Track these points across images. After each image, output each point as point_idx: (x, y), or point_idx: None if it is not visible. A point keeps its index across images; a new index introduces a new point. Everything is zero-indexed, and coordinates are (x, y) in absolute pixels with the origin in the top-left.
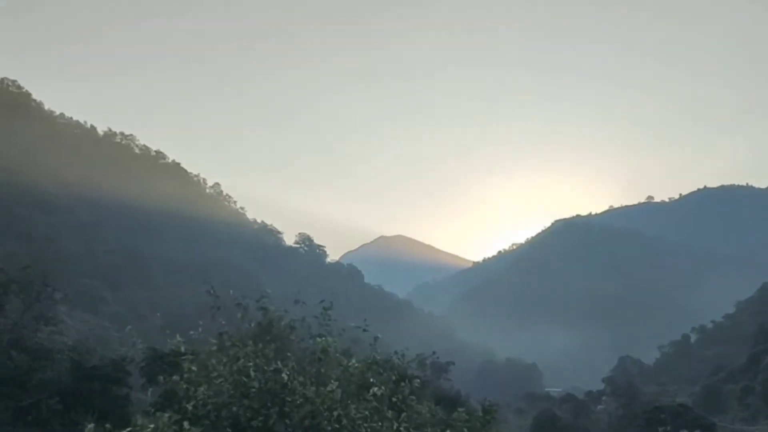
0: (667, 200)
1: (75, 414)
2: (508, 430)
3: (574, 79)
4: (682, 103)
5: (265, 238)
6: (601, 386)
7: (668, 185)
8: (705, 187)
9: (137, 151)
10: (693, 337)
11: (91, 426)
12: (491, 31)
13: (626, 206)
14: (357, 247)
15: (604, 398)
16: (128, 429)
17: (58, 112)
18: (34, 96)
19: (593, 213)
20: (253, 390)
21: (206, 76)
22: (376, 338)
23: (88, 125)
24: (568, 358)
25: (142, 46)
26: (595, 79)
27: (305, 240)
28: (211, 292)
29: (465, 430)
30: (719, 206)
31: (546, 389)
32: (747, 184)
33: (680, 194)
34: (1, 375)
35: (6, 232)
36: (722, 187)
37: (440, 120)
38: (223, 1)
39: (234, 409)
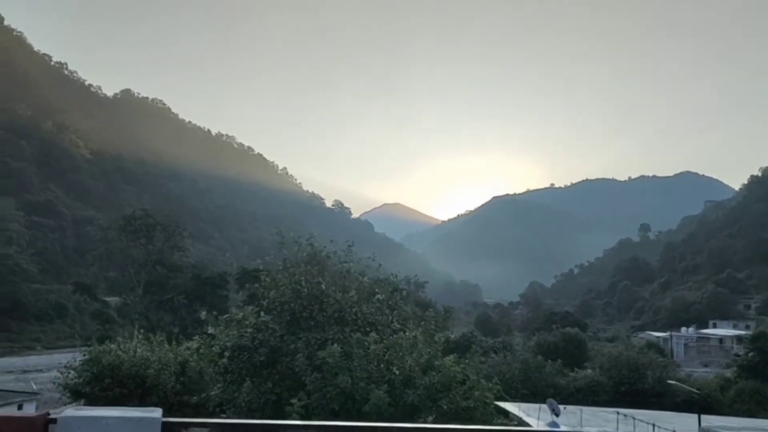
0: (563, 186)
1: (195, 306)
2: (460, 323)
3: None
4: (581, 113)
5: (314, 202)
6: (518, 299)
7: (564, 176)
8: (587, 179)
9: (235, 146)
10: (575, 271)
11: (204, 312)
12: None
13: (538, 189)
14: (371, 209)
15: (519, 306)
16: (226, 315)
17: (187, 120)
18: (173, 109)
19: (517, 193)
20: (304, 294)
21: (274, 91)
22: (379, 265)
23: (205, 129)
24: (498, 282)
25: (237, 71)
26: (518, 85)
27: (338, 204)
28: (279, 233)
29: (433, 322)
30: (595, 191)
31: (484, 300)
32: (612, 177)
33: (571, 182)
34: (152, 280)
35: (154, 193)
36: (597, 179)
37: (424, 117)
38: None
39: (292, 305)
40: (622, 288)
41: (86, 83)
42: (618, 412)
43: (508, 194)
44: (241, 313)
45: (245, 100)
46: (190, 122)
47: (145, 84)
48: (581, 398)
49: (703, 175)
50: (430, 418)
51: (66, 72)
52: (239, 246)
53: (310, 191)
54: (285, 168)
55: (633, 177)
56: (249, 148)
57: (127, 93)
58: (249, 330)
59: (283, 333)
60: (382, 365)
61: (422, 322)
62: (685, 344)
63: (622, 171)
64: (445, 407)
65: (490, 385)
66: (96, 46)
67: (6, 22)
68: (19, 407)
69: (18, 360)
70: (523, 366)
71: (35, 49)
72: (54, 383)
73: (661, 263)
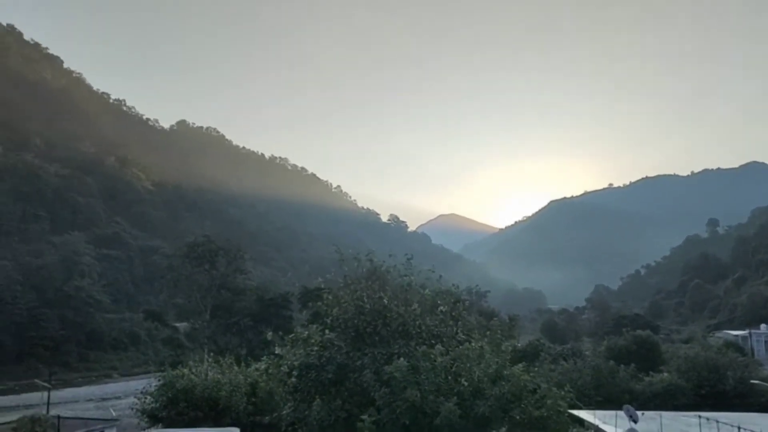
0: (622, 185)
1: (260, 327)
2: (525, 331)
3: (564, 85)
4: (635, 109)
5: (369, 217)
6: (584, 304)
7: (623, 175)
8: (646, 176)
9: (289, 167)
10: (642, 272)
11: (270, 333)
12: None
13: (595, 190)
14: (426, 221)
15: (586, 311)
16: (292, 335)
17: (241, 145)
18: (226, 136)
19: (574, 195)
20: (366, 309)
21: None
22: (440, 276)
23: (259, 153)
24: (562, 287)
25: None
26: (568, 92)
27: (394, 218)
28: (338, 251)
29: (498, 331)
30: (656, 188)
31: (548, 306)
32: (674, 173)
33: (630, 181)
34: (218, 304)
35: (214, 219)
36: (658, 176)
37: (475, 125)
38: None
39: (355, 321)
40: (693, 286)
41: (144, 117)
42: (700, 416)
43: (565, 197)
44: (306, 332)
45: (294, 121)
46: (244, 148)
47: (199, 113)
48: (659, 403)
49: None
50: (503, 430)
51: (125, 108)
52: (299, 266)
53: (365, 207)
54: (339, 186)
55: (696, 171)
56: (302, 168)
57: (182, 124)
58: (315, 348)
59: (349, 350)
60: (450, 377)
61: (487, 332)
62: (765, 342)
63: (684, 166)
64: (518, 417)
65: (563, 393)
66: (149, 79)
67: (66, 65)
68: None
69: (96, 388)
70: (594, 372)
71: (95, 88)
72: (132, 409)
73: (734, 258)
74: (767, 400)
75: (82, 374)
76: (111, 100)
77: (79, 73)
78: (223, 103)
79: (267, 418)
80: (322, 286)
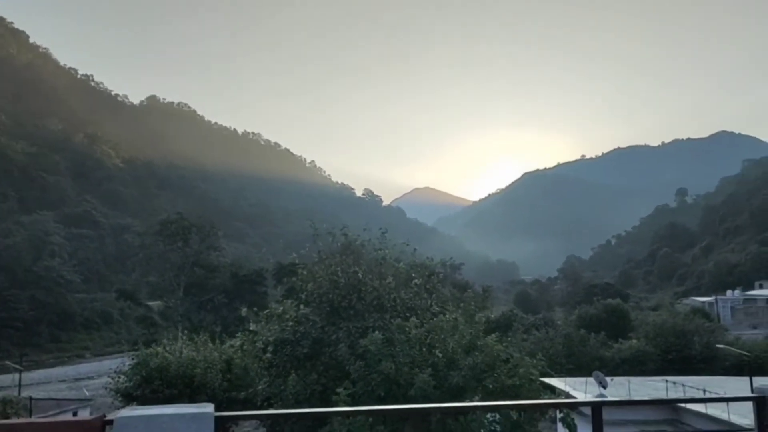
0: (594, 156)
1: (235, 304)
2: (499, 302)
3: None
4: (608, 82)
5: (344, 192)
6: (556, 274)
7: (595, 147)
8: (618, 147)
9: (262, 143)
10: (613, 242)
11: (244, 309)
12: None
13: (568, 162)
14: (401, 195)
15: (558, 281)
16: (266, 311)
17: (213, 121)
18: (198, 111)
19: (547, 167)
20: (341, 284)
21: (295, 87)
22: (414, 250)
23: (231, 128)
24: (535, 258)
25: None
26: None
27: (368, 193)
28: (312, 226)
29: (472, 303)
30: (628, 159)
31: (522, 278)
32: (645, 144)
33: (602, 152)
34: (191, 282)
35: (187, 196)
36: (629, 146)
37: (448, 98)
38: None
39: (330, 296)
40: (662, 255)
41: (113, 93)
42: (666, 380)
43: (538, 169)
44: (281, 308)
45: (266, 96)
46: (216, 123)
47: (169, 88)
48: (628, 369)
49: (739, 134)
50: (477, 398)
51: (93, 84)
52: (274, 242)
53: (339, 182)
54: (313, 161)
55: (666, 142)
56: (275, 144)
57: (152, 99)
58: (290, 323)
59: (324, 324)
60: (424, 349)
61: (461, 304)
62: (731, 307)
63: (655, 137)
64: (491, 386)
65: (534, 361)
66: (117, 54)
67: (31, 40)
68: (74, 414)
69: (69, 369)
70: (566, 341)
71: (61, 63)
72: (106, 389)
73: (702, 227)
74: (732, 363)
75: (54, 355)
76: (79, 76)
77: (45, 48)
78: (194, 78)
79: (242, 393)
80: (297, 261)
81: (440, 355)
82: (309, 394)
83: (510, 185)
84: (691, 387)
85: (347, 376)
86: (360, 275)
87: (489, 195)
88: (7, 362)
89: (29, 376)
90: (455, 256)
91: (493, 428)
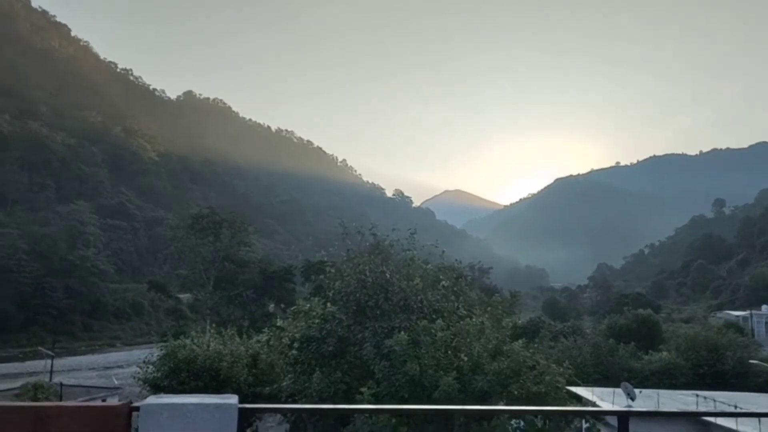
0: (629, 164)
1: (263, 300)
2: (527, 308)
3: (574, 65)
4: (645, 88)
5: (374, 192)
6: (586, 282)
7: (630, 154)
8: (654, 155)
9: (294, 140)
10: (646, 251)
11: (272, 305)
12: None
13: (602, 168)
14: (431, 197)
15: (588, 290)
16: (294, 307)
17: (247, 117)
18: (233, 108)
19: (580, 173)
20: (368, 283)
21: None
22: (443, 252)
23: (265, 125)
24: (565, 265)
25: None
26: (580, 69)
27: (399, 193)
28: (341, 225)
29: (499, 307)
30: (664, 167)
31: (551, 284)
32: (682, 152)
33: (638, 160)
34: (221, 276)
35: (219, 191)
36: (665, 155)
37: (483, 102)
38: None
39: (357, 295)
40: (696, 267)
41: (151, 88)
42: (697, 395)
43: (571, 175)
44: (308, 305)
45: (300, 94)
46: (250, 120)
47: (206, 84)
48: (657, 381)
49: None
50: (501, 404)
51: (131, 78)
52: (303, 239)
53: (370, 182)
54: (344, 160)
55: (704, 151)
56: (308, 141)
57: (189, 95)
58: (316, 321)
59: (350, 323)
60: (449, 352)
61: (489, 308)
62: (766, 323)
63: (693, 145)
64: (516, 393)
65: (561, 369)
66: (156, 50)
67: (73, 33)
68: (103, 401)
69: (99, 357)
70: (594, 350)
71: (101, 57)
72: (134, 378)
73: (739, 239)
74: (765, 380)
75: (86, 343)
76: (118, 70)
77: (86, 42)
78: (231, 75)
79: (267, 389)
80: (325, 259)
81: (465, 358)
82: (333, 392)
83: (542, 190)
84: (722, 402)
85: (372, 375)
86: (387, 275)
87: (520, 200)
88: (40, 348)
89: (61, 362)
90: (484, 260)
91: None
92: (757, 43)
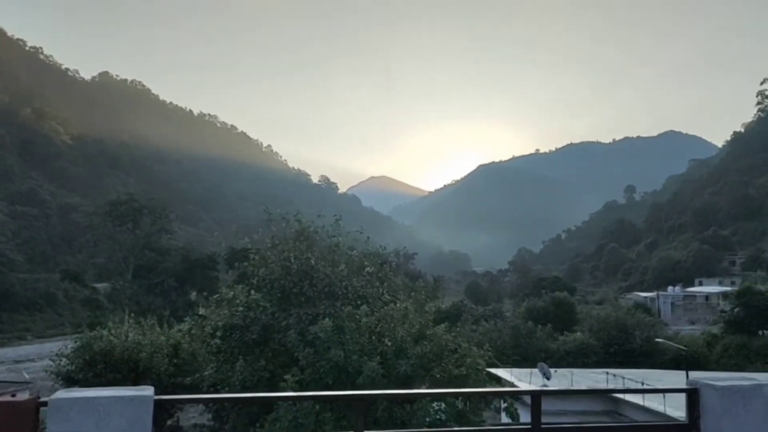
0: (548, 151)
1: (185, 288)
2: (450, 292)
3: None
4: (563, 77)
5: (300, 178)
6: (507, 266)
7: (549, 141)
8: (571, 143)
9: (218, 125)
10: (563, 236)
11: (194, 294)
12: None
13: (523, 155)
14: (357, 183)
15: (509, 273)
16: (216, 295)
17: (168, 101)
18: (153, 90)
19: (502, 160)
20: (293, 270)
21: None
22: (368, 238)
23: (187, 109)
24: (487, 250)
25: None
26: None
27: (324, 180)
28: (266, 211)
29: (423, 292)
30: (580, 155)
31: (473, 269)
32: (596, 140)
33: (556, 147)
34: (141, 264)
35: (138, 177)
36: (582, 142)
37: (407, 88)
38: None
39: (282, 282)
40: (609, 250)
41: (63, 67)
42: (607, 372)
43: (493, 162)
44: (232, 293)
45: (225, 78)
46: (171, 103)
47: (123, 66)
48: (571, 361)
49: (686, 134)
50: (424, 387)
51: (42, 57)
52: (227, 226)
53: (295, 168)
54: (269, 145)
55: (617, 139)
56: (232, 126)
57: (105, 76)
58: (240, 309)
59: (274, 310)
60: (374, 337)
61: (412, 293)
62: (672, 303)
63: (606, 133)
64: (438, 376)
65: (482, 352)
66: (70, 28)
67: None
68: (12, 397)
69: (9, 350)
70: (513, 332)
71: (9, 34)
72: (46, 372)
73: (647, 224)
74: (670, 358)
75: None
76: (27, 48)
77: None
78: (150, 57)
79: (189, 379)
80: (249, 246)
81: (389, 343)
82: (257, 380)
83: (465, 177)
84: (631, 379)
85: (296, 362)
86: (312, 262)
87: (444, 186)
88: None
89: None
90: (409, 246)
91: (438, 417)
92: (667, 36)
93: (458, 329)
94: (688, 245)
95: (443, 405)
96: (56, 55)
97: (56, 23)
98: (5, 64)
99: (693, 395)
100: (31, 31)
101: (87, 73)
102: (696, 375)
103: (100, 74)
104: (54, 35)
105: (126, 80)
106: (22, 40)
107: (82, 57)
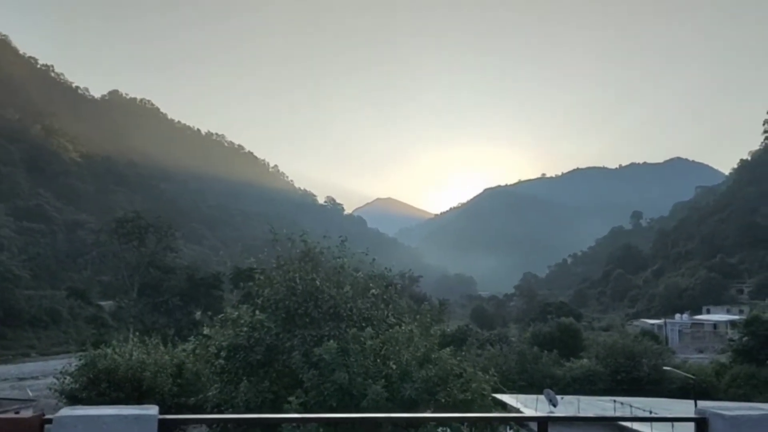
0: (554, 176)
1: (190, 307)
2: (455, 316)
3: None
4: (571, 102)
5: (306, 199)
6: (513, 291)
7: (555, 166)
8: (578, 168)
9: (225, 144)
10: (569, 261)
11: (199, 313)
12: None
13: (529, 179)
14: (363, 204)
15: (514, 298)
16: (221, 315)
17: (176, 119)
18: (161, 109)
19: (508, 184)
20: (298, 290)
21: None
22: (373, 260)
23: (195, 128)
24: (492, 274)
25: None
26: (506, 88)
27: (330, 200)
28: (272, 231)
29: (428, 315)
30: (586, 180)
31: (479, 293)
32: (603, 165)
33: (562, 172)
34: (146, 283)
35: (145, 195)
36: (588, 167)
37: (414, 111)
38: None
39: (286, 302)
40: (615, 276)
41: (74, 85)
42: (615, 401)
43: (500, 185)
44: (236, 313)
45: (233, 98)
46: (179, 122)
47: (133, 84)
48: (578, 388)
49: (693, 161)
50: (429, 411)
51: (53, 74)
52: (232, 245)
53: (302, 188)
54: (276, 165)
55: (624, 164)
56: (239, 146)
57: (115, 94)
58: (244, 329)
59: (279, 331)
60: (378, 360)
61: (418, 316)
62: (679, 331)
63: (613, 159)
64: (443, 400)
65: (487, 377)
66: (82, 46)
67: None
68: (16, 414)
69: (13, 368)
70: (519, 357)
71: (21, 51)
72: (50, 389)
73: (654, 250)
74: (678, 386)
75: None
76: (38, 66)
77: (4, 36)
78: (160, 75)
79: (192, 399)
80: (254, 266)
81: (394, 366)
82: (260, 401)
83: (471, 200)
84: (638, 408)
85: (300, 384)
86: (318, 283)
87: (450, 209)
88: None
89: None
90: (414, 268)
91: None
92: (675, 63)
93: (463, 353)
94: (696, 272)
95: (448, 430)
96: (67, 73)
97: (68, 41)
98: (17, 81)
99: (702, 424)
100: (43, 48)
101: (97, 91)
102: (704, 404)
103: (109, 92)
104: (65, 53)
105: (135, 99)
106: (33, 57)
107: (92, 75)
